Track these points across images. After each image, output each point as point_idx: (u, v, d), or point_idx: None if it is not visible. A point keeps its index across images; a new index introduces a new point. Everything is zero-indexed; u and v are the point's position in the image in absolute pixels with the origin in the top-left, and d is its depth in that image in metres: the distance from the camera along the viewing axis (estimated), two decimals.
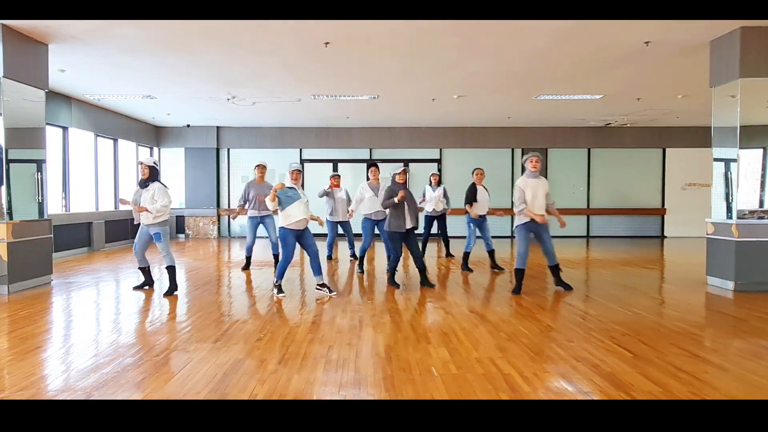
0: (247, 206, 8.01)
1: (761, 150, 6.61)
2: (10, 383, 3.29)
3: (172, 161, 14.43)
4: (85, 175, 11.16)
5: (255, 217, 7.98)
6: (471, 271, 7.88)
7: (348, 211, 8.60)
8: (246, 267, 8.17)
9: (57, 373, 3.52)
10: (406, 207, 6.36)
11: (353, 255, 9.20)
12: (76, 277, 7.58)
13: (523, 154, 14.28)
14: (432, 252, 10.38)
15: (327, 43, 6.75)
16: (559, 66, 7.94)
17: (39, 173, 6.83)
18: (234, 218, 8.10)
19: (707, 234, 6.80)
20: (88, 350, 4.01)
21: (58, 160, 10.17)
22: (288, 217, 5.86)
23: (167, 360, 3.75)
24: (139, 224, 6.31)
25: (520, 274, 6.14)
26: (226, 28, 6.20)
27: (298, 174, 6.07)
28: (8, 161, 6.29)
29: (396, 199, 6.26)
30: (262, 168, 8.27)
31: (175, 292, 6.17)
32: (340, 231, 9.15)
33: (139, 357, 3.82)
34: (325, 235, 9.25)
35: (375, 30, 6.29)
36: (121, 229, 12.12)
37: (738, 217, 6.35)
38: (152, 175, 6.18)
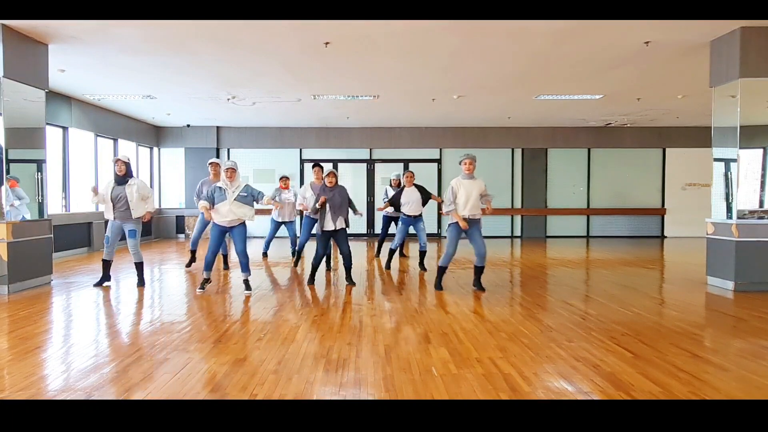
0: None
1: (761, 150, 6.61)
2: (10, 383, 3.29)
3: (172, 161, 14.43)
4: (85, 175, 11.15)
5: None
6: (389, 269, 8.11)
7: (295, 213, 8.92)
8: (189, 264, 8.20)
9: (57, 373, 3.52)
10: (328, 209, 6.54)
11: (294, 253, 9.11)
12: (76, 277, 7.57)
13: (523, 154, 14.30)
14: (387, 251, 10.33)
15: (327, 43, 6.75)
16: (559, 66, 7.94)
17: (39, 173, 6.83)
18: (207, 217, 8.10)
19: (707, 234, 6.80)
20: (88, 350, 4.01)
21: (58, 160, 10.17)
22: (215, 214, 6.12)
23: (167, 360, 3.75)
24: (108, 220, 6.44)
25: (441, 271, 6.41)
26: (226, 28, 6.20)
27: (232, 172, 6.06)
28: (8, 161, 6.29)
29: (317, 205, 6.55)
30: (215, 165, 7.92)
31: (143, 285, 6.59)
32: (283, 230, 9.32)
33: (139, 357, 3.81)
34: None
35: (375, 30, 6.29)
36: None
37: (738, 217, 6.35)
38: (128, 171, 6.37)
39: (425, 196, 8.02)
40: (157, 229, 14.01)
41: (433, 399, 3.03)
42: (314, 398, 3.07)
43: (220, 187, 6.11)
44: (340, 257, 10.38)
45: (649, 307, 5.53)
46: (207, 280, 6.29)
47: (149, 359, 3.76)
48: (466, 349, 3.98)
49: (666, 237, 14.35)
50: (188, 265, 8.21)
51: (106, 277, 6.65)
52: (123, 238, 6.58)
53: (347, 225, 6.69)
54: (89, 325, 4.98)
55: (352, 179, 14.17)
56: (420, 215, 8.04)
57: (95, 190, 6.35)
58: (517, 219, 14.39)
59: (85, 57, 7.46)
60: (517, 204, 14.36)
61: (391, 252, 8.25)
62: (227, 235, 6.29)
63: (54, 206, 9.79)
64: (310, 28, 6.22)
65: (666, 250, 11.62)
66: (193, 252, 8.25)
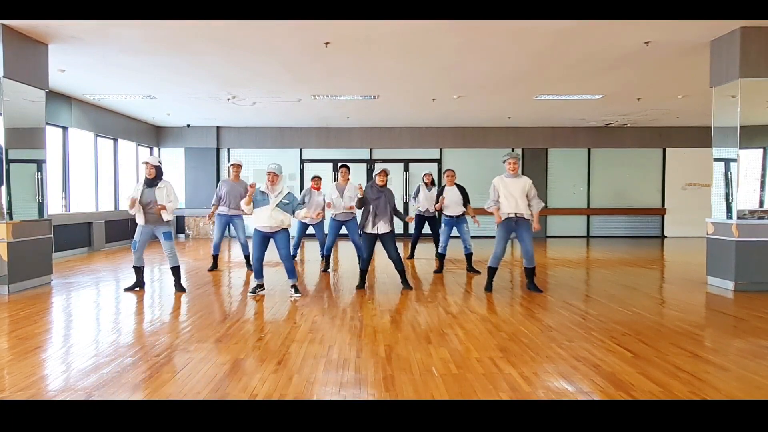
0: (220, 203, 7.88)
1: (761, 150, 6.61)
2: (10, 383, 3.29)
3: (172, 161, 14.42)
4: (85, 175, 11.16)
5: (224, 216, 7.86)
6: (440, 272, 7.78)
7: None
8: (213, 268, 8.04)
9: (57, 373, 3.52)
10: (371, 210, 6.30)
11: (323, 256, 8.80)
12: (76, 277, 7.57)
13: (523, 155, 14.28)
14: (423, 253, 10.31)
15: (327, 43, 6.75)
16: (559, 66, 7.94)
17: (39, 173, 6.82)
18: (208, 221, 7.91)
19: (707, 234, 6.80)
20: (88, 350, 4.01)
21: (58, 160, 10.17)
22: (255, 219, 5.95)
23: (167, 360, 3.75)
24: (139, 224, 6.21)
25: (491, 272, 6.30)
26: (226, 28, 6.20)
27: (274, 177, 5.85)
28: (8, 161, 6.29)
29: (356, 201, 6.44)
30: (236, 167, 8.10)
31: (182, 291, 6.28)
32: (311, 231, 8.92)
33: (139, 357, 3.81)
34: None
35: (375, 30, 6.29)
36: (121, 229, 12.12)
37: (738, 217, 6.35)
38: (158, 174, 6.17)
39: (466, 197, 7.77)
40: None
41: (433, 399, 3.02)
42: (314, 398, 3.07)
43: (263, 191, 5.90)
44: (341, 259, 10.44)
45: (649, 307, 5.53)
46: (260, 286, 6.16)
47: (149, 359, 3.76)
48: (467, 349, 3.98)
49: (666, 237, 14.35)
50: (211, 269, 8.03)
51: (139, 282, 6.37)
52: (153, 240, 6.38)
53: (392, 229, 6.40)
54: (89, 325, 4.98)
55: (353, 179, 14.13)
56: (463, 215, 7.74)
57: (133, 202, 6.01)
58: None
59: (85, 57, 7.46)
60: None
61: (441, 257, 7.93)
62: (269, 241, 6.02)
63: (54, 206, 9.78)
64: (310, 28, 6.22)
65: (666, 250, 11.62)
66: (215, 257, 8.08)
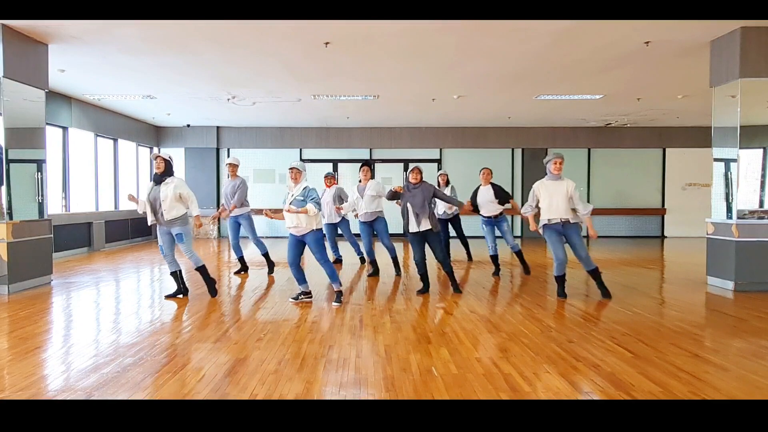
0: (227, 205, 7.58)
1: (761, 150, 6.62)
2: (10, 383, 3.29)
3: (173, 161, 14.41)
4: (85, 175, 11.16)
5: (231, 218, 7.58)
6: (498, 275, 7.47)
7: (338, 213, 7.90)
8: (242, 270, 7.78)
9: (57, 373, 3.52)
10: (409, 209, 6.07)
11: (362, 259, 8.67)
12: (76, 277, 7.57)
13: (523, 154, 14.27)
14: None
15: (327, 43, 6.75)
16: (559, 66, 7.94)
17: (39, 173, 6.82)
18: (213, 221, 7.50)
19: (707, 234, 6.80)
20: (88, 350, 4.01)
21: (58, 160, 10.17)
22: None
23: (167, 360, 3.75)
24: (151, 225, 5.87)
25: (560, 281, 5.92)
26: (226, 28, 6.20)
27: (297, 173, 5.52)
28: (8, 161, 6.29)
29: (387, 197, 6.34)
30: (231, 167, 7.67)
31: (215, 292, 6.01)
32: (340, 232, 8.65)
33: (140, 357, 3.81)
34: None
35: (375, 30, 6.29)
36: (121, 229, 12.11)
37: (738, 217, 6.35)
38: (167, 169, 5.83)
39: (504, 196, 7.32)
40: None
41: (433, 399, 3.03)
42: (314, 398, 3.07)
43: (289, 192, 5.56)
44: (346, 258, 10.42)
45: (649, 307, 5.53)
46: (304, 293, 5.74)
47: (149, 359, 3.76)
48: (467, 349, 3.98)
49: (666, 237, 14.35)
50: (237, 272, 7.79)
51: (181, 289, 5.96)
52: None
53: (436, 227, 6.08)
54: (89, 325, 4.98)
55: (353, 179, 14.17)
56: (502, 215, 7.34)
57: (133, 198, 5.78)
58: (517, 219, 14.37)
59: (85, 57, 7.46)
60: (518, 204, 14.33)
61: (494, 258, 7.53)
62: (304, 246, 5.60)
63: (54, 206, 9.79)
64: (310, 28, 6.22)
65: (666, 250, 11.62)
66: (241, 258, 7.77)
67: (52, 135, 9.77)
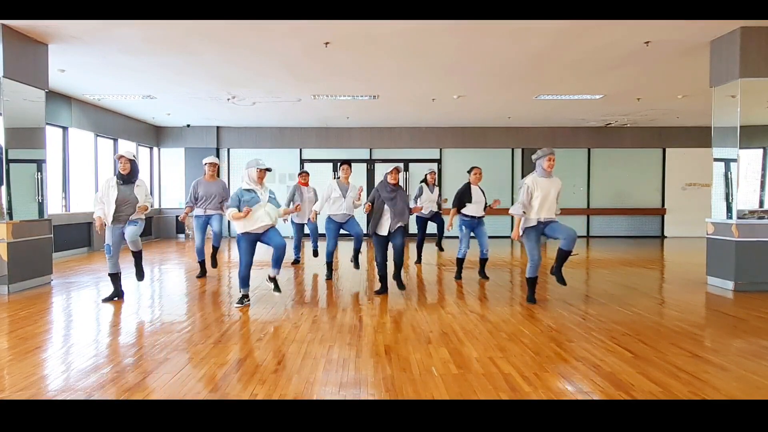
0: (196, 205, 7.14)
1: (761, 150, 6.61)
2: (10, 383, 3.29)
3: (172, 161, 14.43)
4: (85, 175, 11.16)
5: (201, 216, 7.12)
6: (460, 279, 7.18)
7: (312, 211, 7.51)
8: (202, 275, 7.33)
9: (57, 373, 3.52)
10: (386, 210, 5.89)
11: (315, 252, 8.54)
12: (76, 277, 7.57)
13: (523, 154, 14.26)
14: (430, 258, 10.31)
15: (327, 43, 6.75)
16: (560, 66, 7.94)
17: (39, 173, 6.83)
18: (182, 220, 7.24)
19: (707, 234, 6.80)
20: (88, 350, 4.01)
21: (58, 160, 10.17)
22: (246, 221, 5.26)
23: (167, 360, 3.75)
24: (108, 226, 5.62)
25: (531, 282, 5.62)
26: (226, 28, 6.20)
27: (261, 173, 5.34)
28: (8, 161, 6.29)
29: (364, 212, 6.02)
30: (212, 165, 7.20)
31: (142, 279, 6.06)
32: (306, 231, 8.57)
33: (139, 357, 3.81)
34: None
35: (375, 30, 6.29)
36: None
37: (738, 217, 6.35)
38: (134, 169, 5.63)
39: (485, 198, 7.10)
40: (157, 229, 14.01)
41: (433, 399, 3.02)
42: (314, 398, 3.07)
43: (248, 190, 5.32)
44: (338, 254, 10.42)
45: (649, 307, 5.53)
46: (246, 296, 5.57)
47: (149, 359, 3.76)
48: (466, 349, 3.98)
49: (666, 237, 14.35)
50: (199, 276, 7.35)
51: (117, 292, 5.82)
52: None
53: (405, 222, 5.98)
54: (89, 325, 4.97)
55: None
56: (483, 218, 7.01)
57: (102, 224, 5.57)
58: None
59: (85, 57, 7.46)
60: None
61: (460, 262, 7.13)
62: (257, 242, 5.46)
63: (54, 206, 9.78)
64: (310, 28, 6.22)
65: (666, 250, 11.62)
66: (201, 263, 7.34)
67: (52, 135, 9.76)
